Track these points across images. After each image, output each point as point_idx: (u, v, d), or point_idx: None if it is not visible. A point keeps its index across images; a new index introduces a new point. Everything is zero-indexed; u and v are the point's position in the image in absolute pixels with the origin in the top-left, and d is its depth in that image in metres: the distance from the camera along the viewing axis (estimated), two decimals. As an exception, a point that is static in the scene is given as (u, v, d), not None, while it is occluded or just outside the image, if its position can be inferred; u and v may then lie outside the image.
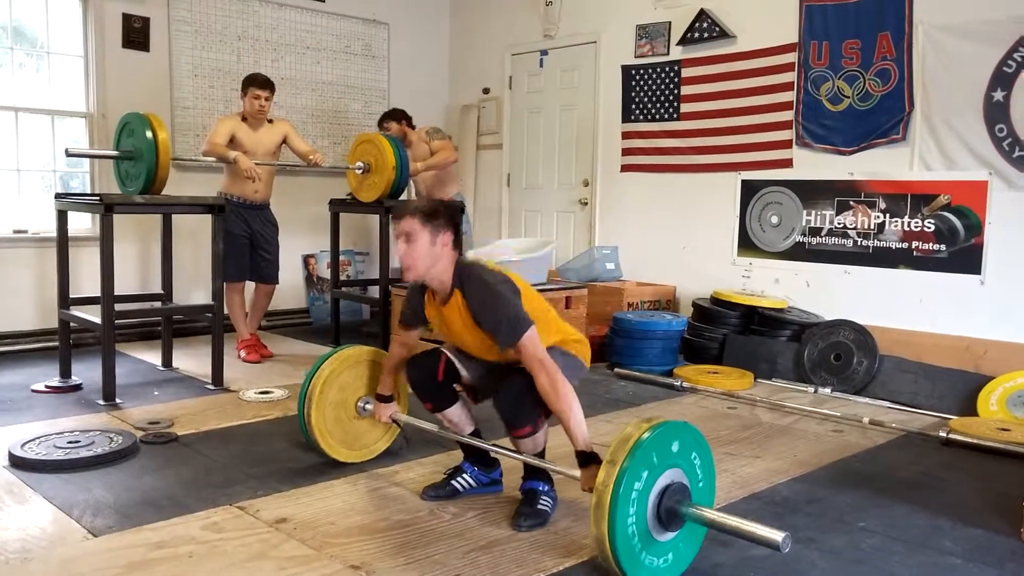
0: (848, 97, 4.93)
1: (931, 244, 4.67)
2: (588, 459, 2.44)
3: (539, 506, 2.67)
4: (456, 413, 2.87)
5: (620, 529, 2.12)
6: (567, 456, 3.23)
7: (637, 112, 6.00)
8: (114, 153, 4.54)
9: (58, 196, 4.47)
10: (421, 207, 2.62)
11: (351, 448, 3.17)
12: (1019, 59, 4.27)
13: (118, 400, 4.02)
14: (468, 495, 2.88)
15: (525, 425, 2.60)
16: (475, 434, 2.91)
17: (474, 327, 2.64)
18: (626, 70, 6.02)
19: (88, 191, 5.50)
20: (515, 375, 2.60)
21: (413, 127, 5.88)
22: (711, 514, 2.24)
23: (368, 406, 3.14)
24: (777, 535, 2.08)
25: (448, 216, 2.64)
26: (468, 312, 2.62)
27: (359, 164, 5.38)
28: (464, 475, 2.90)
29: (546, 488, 2.72)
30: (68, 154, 4.80)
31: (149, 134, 4.27)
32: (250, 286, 5.31)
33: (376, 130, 5.80)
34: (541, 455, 2.70)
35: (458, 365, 2.82)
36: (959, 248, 4.57)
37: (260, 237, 5.13)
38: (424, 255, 2.58)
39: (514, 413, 2.60)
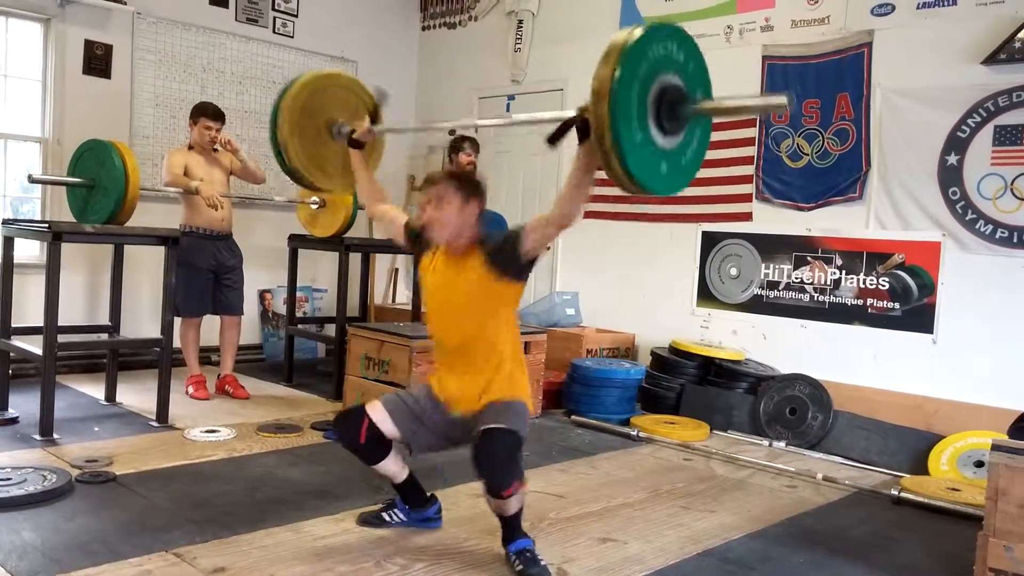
0: (807, 155, 5.03)
1: (885, 302, 4.73)
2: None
3: (543, 563, 2.62)
4: (387, 467, 2.81)
5: (626, 136, 2.14)
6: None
7: (601, 160, 6.05)
8: (77, 180, 4.44)
9: (5, 222, 4.35)
10: (453, 174, 2.73)
11: (318, 167, 3.06)
12: (972, 125, 4.40)
13: (56, 435, 3.87)
14: (423, 538, 2.81)
15: (512, 483, 2.54)
16: (411, 478, 2.89)
17: (462, 279, 2.66)
18: (591, 118, 6.07)
19: (39, 218, 5.36)
20: (485, 438, 2.53)
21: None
22: (711, 103, 2.30)
23: (344, 128, 3.05)
24: (781, 97, 2.14)
25: (478, 186, 2.73)
26: (478, 259, 2.65)
27: (314, 199, 5.31)
28: (395, 510, 2.95)
29: (534, 545, 2.68)
30: (31, 180, 4.69)
31: (119, 162, 4.19)
32: (212, 323, 5.17)
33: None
34: (521, 510, 2.67)
35: (381, 428, 2.73)
36: (912, 307, 4.64)
37: (225, 268, 4.99)
38: (453, 218, 2.65)
39: (501, 474, 2.53)
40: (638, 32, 2.19)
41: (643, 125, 2.21)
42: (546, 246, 2.68)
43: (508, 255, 2.62)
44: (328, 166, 3.12)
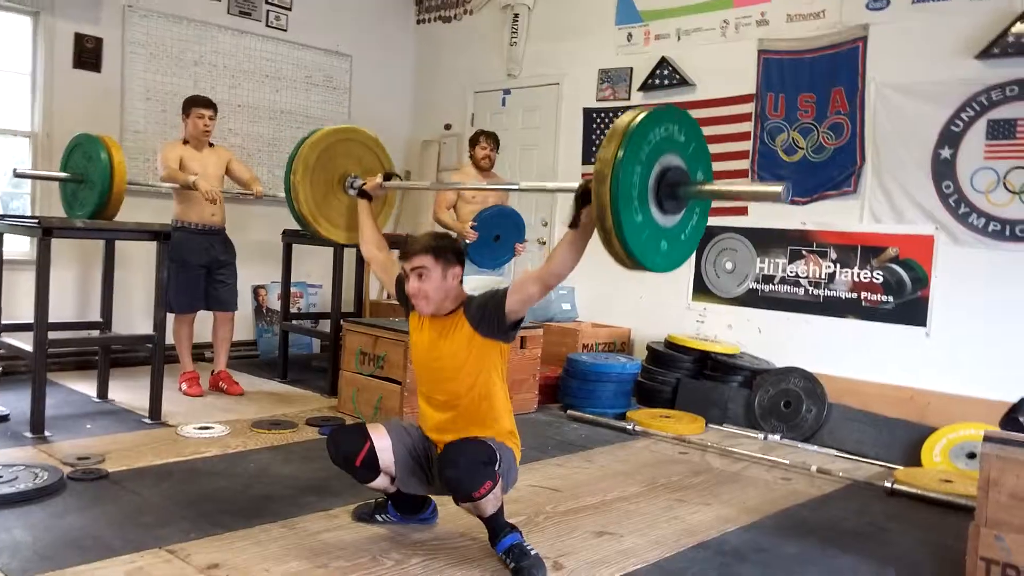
0: (802, 149, 5.03)
1: (879, 295, 4.74)
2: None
3: (533, 552, 2.61)
4: (378, 484, 2.81)
5: (626, 218, 2.16)
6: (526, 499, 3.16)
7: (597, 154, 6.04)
8: (63, 175, 4.43)
9: (-5, 217, 4.33)
10: (431, 244, 2.68)
11: (325, 216, 3.13)
12: (966, 119, 4.40)
13: (47, 433, 3.84)
14: (419, 533, 2.80)
15: (485, 482, 2.50)
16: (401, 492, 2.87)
17: (448, 342, 2.68)
18: (587, 113, 6.07)
19: (29, 213, 5.32)
20: (452, 445, 2.58)
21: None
22: (710, 187, 2.34)
23: (357, 182, 3.14)
24: (777, 186, 2.17)
25: (456, 251, 2.73)
26: (463, 321, 2.67)
27: None
28: (387, 514, 2.95)
29: (522, 536, 2.66)
30: (16, 175, 4.67)
31: (104, 156, 4.17)
32: (206, 319, 5.14)
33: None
34: (501, 508, 2.64)
35: (380, 456, 2.72)
36: (906, 300, 4.64)
37: (218, 263, 4.95)
38: (437, 289, 2.67)
39: (471, 477, 2.50)
40: (641, 115, 2.22)
41: (644, 206, 2.24)
42: (529, 306, 2.68)
43: (491, 318, 2.65)
44: (337, 217, 3.19)
